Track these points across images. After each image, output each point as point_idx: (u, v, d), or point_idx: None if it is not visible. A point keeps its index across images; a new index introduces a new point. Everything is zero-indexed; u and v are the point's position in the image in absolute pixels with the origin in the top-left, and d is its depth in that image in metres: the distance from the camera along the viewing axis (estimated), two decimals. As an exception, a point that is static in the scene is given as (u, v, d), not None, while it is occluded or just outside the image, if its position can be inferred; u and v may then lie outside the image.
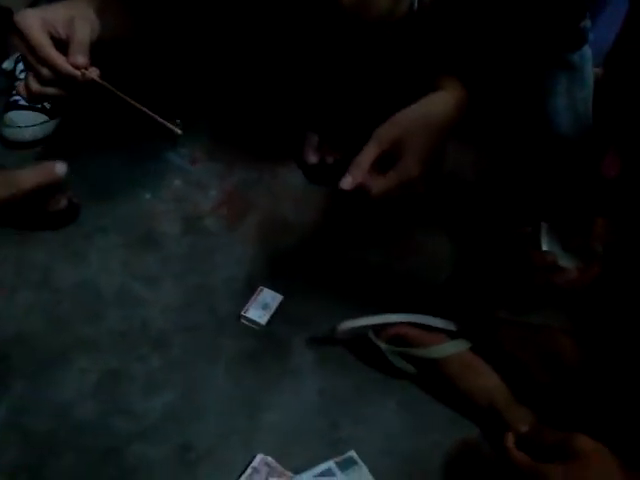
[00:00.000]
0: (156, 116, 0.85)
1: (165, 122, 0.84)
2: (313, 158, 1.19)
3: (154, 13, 0.96)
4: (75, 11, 0.79)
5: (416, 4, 0.89)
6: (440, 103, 0.85)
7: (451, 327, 0.92)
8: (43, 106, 1.18)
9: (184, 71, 1.28)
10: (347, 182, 0.79)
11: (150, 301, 1.01)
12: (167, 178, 1.18)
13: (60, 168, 0.61)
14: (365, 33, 0.92)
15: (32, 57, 0.77)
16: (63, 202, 1.10)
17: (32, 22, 0.75)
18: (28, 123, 1.18)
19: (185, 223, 1.12)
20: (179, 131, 0.86)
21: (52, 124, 1.20)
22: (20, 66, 1.23)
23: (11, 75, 1.24)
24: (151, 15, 0.96)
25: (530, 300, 0.88)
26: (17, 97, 1.20)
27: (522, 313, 0.90)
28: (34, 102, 0.85)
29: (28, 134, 1.17)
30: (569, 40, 0.88)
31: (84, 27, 0.78)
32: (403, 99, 1.04)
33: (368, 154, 0.80)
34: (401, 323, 0.92)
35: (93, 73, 0.79)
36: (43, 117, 1.19)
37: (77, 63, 0.77)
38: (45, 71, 0.77)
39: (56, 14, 0.78)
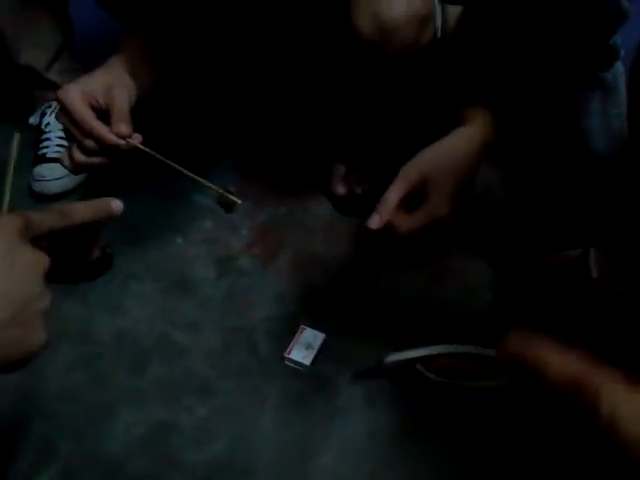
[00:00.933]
0: (212, 185, 0.86)
1: (224, 192, 0.86)
2: (341, 189, 1.18)
3: (182, 61, 0.97)
4: (112, 78, 0.81)
5: (439, 32, 0.88)
6: (466, 140, 0.84)
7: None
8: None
9: (210, 111, 1.29)
10: (375, 221, 0.78)
11: (191, 348, 1.00)
12: (197, 220, 1.18)
13: (116, 205, 0.61)
14: (387, 64, 0.91)
15: (76, 130, 0.78)
16: (96, 252, 1.10)
17: (74, 96, 0.77)
18: (56, 176, 1.18)
19: (218, 265, 1.11)
20: (239, 200, 0.88)
21: (81, 175, 1.20)
22: (45, 119, 1.24)
23: (37, 129, 1.25)
24: (180, 63, 0.96)
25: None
26: (44, 150, 1.21)
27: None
28: (79, 173, 0.86)
29: (57, 187, 1.18)
30: (600, 58, 0.86)
31: (123, 94, 0.80)
32: (430, 129, 1.04)
33: (395, 192, 0.79)
34: (449, 354, 0.90)
35: (136, 140, 0.81)
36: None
37: (121, 132, 0.78)
38: (89, 142, 0.78)
39: (95, 85, 0.79)
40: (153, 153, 0.83)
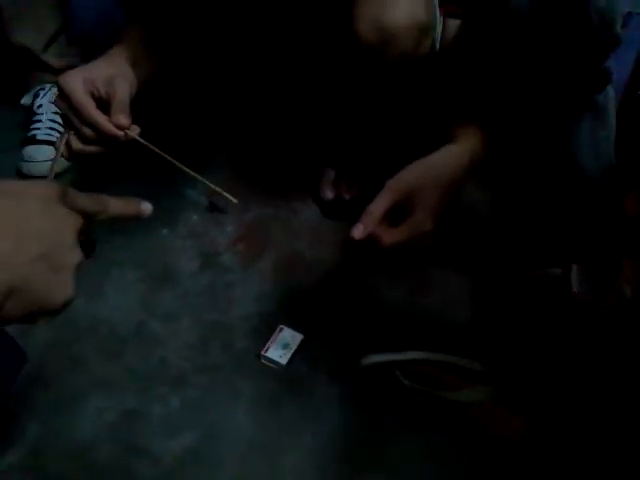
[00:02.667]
0: (209, 182, 0.89)
1: (221, 190, 0.87)
2: (330, 194, 1.18)
3: (183, 55, 0.97)
4: (114, 69, 0.81)
5: (438, 43, 0.90)
6: (455, 157, 0.85)
7: (476, 367, 0.91)
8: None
9: (205, 108, 1.29)
10: (358, 231, 0.79)
11: (167, 339, 1.00)
12: (184, 213, 1.18)
13: (146, 207, 0.61)
14: (385, 70, 0.92)
15: (74, 117, 0.78)
16: (80, 236, 1.10)
17: (75, 83, 0.77)
18: (45, 158, 1.18)
19: (202, 259, 1.11)
20: (234, 199, 0.91)
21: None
22: (38, 101, 1.24)
23: (29, 110, 1.25)
24: (180, 57, 0.96)
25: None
26: (35, 132, 1.21)
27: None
28: (74, 160, 0.86)
29: (45, 168, 1.17)
30: (593, 81, 0.88)
31: (124, 85, 0.80)
32: (420, 141, 1.05)
33: (380, 204, 0.80)
34: (426, 361, 0.91)
35: (134, 132, 0.81)
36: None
37: (120, 123, 0.78)
38: (87, 131, 0.78)
39: (97, 73, 0.79)
40: (151, 146, 0.83)
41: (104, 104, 0.81)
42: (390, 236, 0.80)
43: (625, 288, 0.80)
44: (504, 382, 0.89)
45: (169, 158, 0.85)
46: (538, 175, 0.96)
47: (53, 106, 1.23)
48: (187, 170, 0.87)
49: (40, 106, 1.23)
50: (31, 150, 1.18)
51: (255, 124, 1.28)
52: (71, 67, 1.24)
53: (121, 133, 0.80)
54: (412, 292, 1.07)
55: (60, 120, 1.22)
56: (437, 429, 0.90)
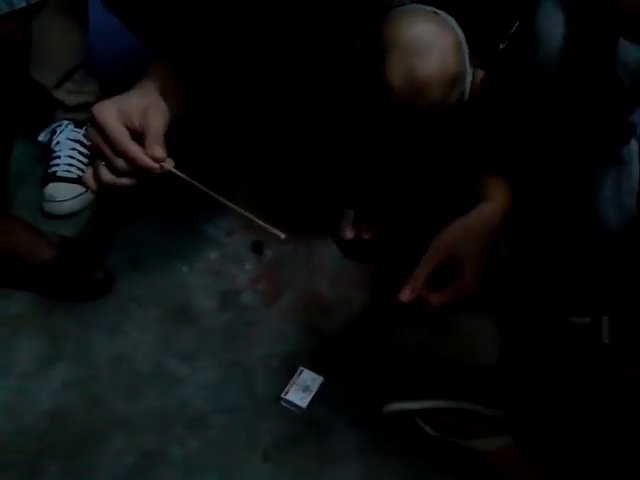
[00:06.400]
0: (255, 218, 0.81)
1: (266, 225, 0.81)
2: (349, 233, 1.19)
3: (209, 92, 0.97)
4: (148, 100, 0.79)
5: (467, 95, 0.90)
6: (490, 216, 0.86)
7: (498, 415, 0.90)
8: (79, 177, 1.20)
9: (229, 145, 1.29)
10: (406, 295, 0.80)
11: (187, 379, 0.99)
12: (203, 250, 1.18)
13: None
14: (413, 120, 0.93)
15: (107, 148, 0.75)
16: (100, 273, 1.10)
17: (109, 114, 0.75)
18: (66, 196, 1.18)
19: (221, 297, 1.11)
20: (282, 235, 0.80)
21: (90, 195, 1.21)
22: (55, 138, 1.24)
23: (47, 147, 1.25)
24: (206, 94, 0.97)
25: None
26: (54, 168, 1.21)
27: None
28: (103, 193, 0.83)
29: (66, 207, 1.18)
30: (618, 134, 0.89)
31: (158, 117, 0.78)
32: (442, 186, 1.05)
33: (426, 267, 0.81)
34: (449, 409, 0.90)
35: (169, 164, 0.78)
36: (81, 189, 1.19)
37: (155, 156, 0.75)
38: (121, 162, 0.75)
39: (130, 104, 0.77)
40: (188, 179, 0.80)
41: (137, 136, 0.78)
42: (437, 299, 0.81)
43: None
44: (526, 430, 0.88)
45: (207, 191, 0.81)
46: (561, 225, 0.96)
47: (71, 142, 1.24)
48: (228, 203, 0.82)
49: (58, 143, 1.24)
50: (51, 189, 1.19)
51: (278, 162, 1.29)
52: (86, 105, 1.26)
53: (157, 165, 0.78)
54: (433, 336, 1.06)
55: (78, 157, 1.24)
56: (457, 477, 0.89)
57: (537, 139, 0.87)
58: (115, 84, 0.94)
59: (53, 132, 1.26)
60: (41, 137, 1.28)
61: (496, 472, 0.87)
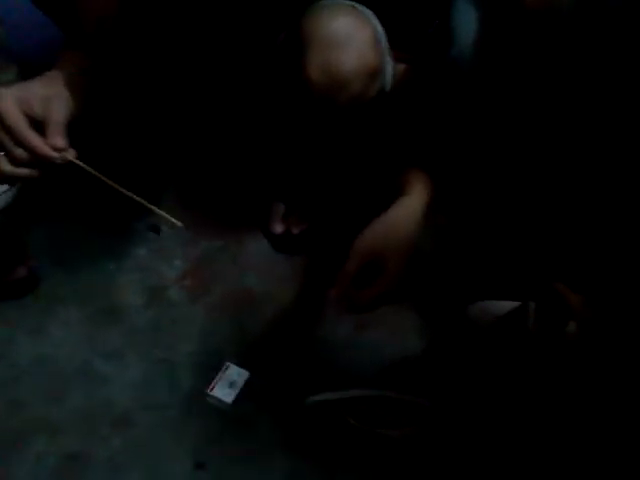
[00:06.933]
0: (151, 206, 0.80)
1: (164, 213, 0.80)
2: (279, 228, 1.19)
3: (123, 85, 0.96)
4: (51, 90, 0.77)
5: (389, 85, 0.91)
6: (410, 211, 0.87)
7: (421, 402, 0.93)
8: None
9: (148, 139, 1.28)
10: (335, 292, 0.82)
11: (112, 378, 0.99)
12: (131, 247, 1.16)
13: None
14: (335, 113, 0.93)
15: (6, 137, 0.73)
16: (22, 271, 1.08)
17: (8, 102, 0.72)
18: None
19: (149, 294, 1.10)
20: (179, 223, 0.81)
21: (12, 193, 1.17)
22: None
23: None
24: (120, 87, 0.95)
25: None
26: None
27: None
28: (4, 183, 0.80)
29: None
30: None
31: (61, 107, 0.75)
32: (368, 178, 1.05)
33: (351, 267, 0.83)
34: (372, 398, 0.92)
35: (71, 154, 0.76)
36: (3, 187, 1.16)
37: (56, 145, 0.74)
38: (20, 152, 0.73)
39: (32, 92, 0.75)
40: (88, 168, 0.78)
41: (38, 125, 0.76)
42: (364, 295, 0.83)
43: (570, 325, 0.83)
44: (450, 416, 0.91)
45: (105, 179, 0.79)
46: (491, 215, 0.98)
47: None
48: (126, 192, 0.80)
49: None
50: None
51: (205, 157, 1.28)
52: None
53: (57, 155, 0.75)
54: (357, 328, 1.08)
55: None
56: (378, 467, 0.91)
57: (453, 132, 0.89)
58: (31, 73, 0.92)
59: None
60: None
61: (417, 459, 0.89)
